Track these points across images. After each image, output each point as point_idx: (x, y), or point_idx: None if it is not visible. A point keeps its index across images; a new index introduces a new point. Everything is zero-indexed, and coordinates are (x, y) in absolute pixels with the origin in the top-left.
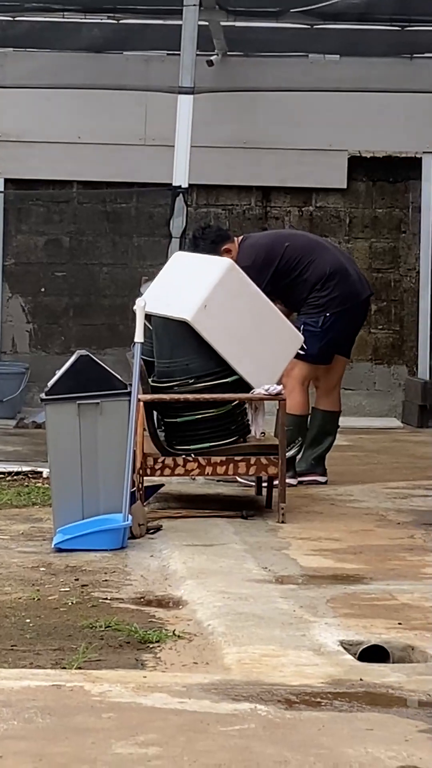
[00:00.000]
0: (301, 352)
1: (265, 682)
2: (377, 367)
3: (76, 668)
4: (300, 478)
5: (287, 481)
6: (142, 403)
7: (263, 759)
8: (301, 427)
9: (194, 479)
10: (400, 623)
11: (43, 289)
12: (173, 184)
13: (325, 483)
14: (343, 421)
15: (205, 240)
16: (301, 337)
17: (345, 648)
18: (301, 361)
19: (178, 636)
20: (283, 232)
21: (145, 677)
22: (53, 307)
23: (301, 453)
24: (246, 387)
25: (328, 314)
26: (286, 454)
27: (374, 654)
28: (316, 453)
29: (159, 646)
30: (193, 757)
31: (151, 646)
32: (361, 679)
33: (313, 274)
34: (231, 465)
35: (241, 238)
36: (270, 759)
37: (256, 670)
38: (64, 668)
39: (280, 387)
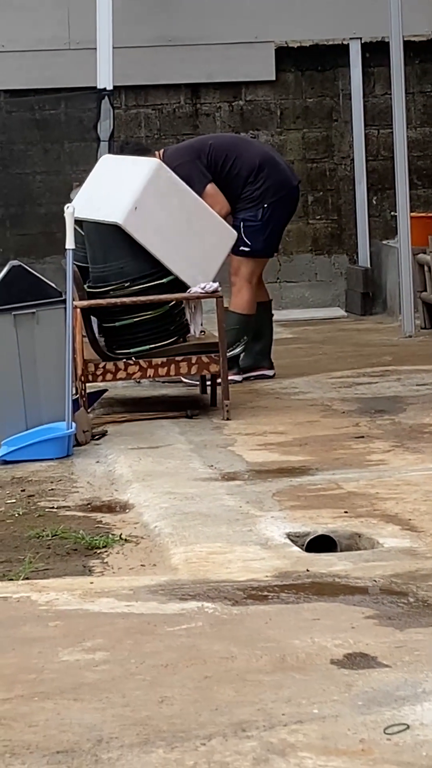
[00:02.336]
0: (246, 249)
1: (212, 580)
2: (317, 257)
3: (23, 579)
4: (248, 374)
5: (232, 378)
6: (79, 310)
7: (210, 656)
8: (248, 325)
9: (139, 382)
10: (346, 512)
11: None
12: (98, 87)
13: (273, 376)
14: (287, 314)
15: (124, 154)
16: (234, 233)
17: (292, 540)
18: (248, 258)
19: (125, 540)
20: (205, 135)
21: (92, 583)
22: None
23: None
24: (182, 287)
25: (265, 205)
26: (232, 352)
27: (322, 544)
28: (260, 346)
29: (106, 552)
30: (140, 659)
31: (98, 551)
32: (307, 570)
33: (244, 168)
34: (172, 366)
35: (162, 150)
36: (216, 655)
37: (203, 569)
38: (11, 580)
39: (216, 284)
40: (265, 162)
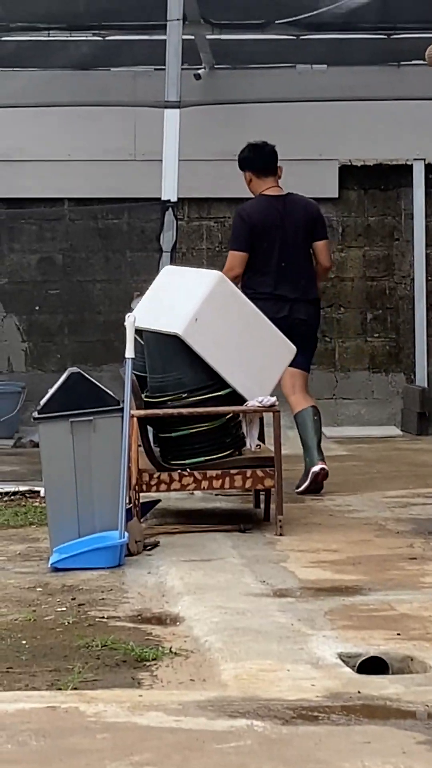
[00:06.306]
0: None
1: (261, 698)
2: (375, 375)
3: (71, 689)
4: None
5: (323, 467)
6: (135, 419)
7: None
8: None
9: (192, 494)
10: (399, 634)
11: (37, 308)
12: (162, 199)
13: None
14: (342, 431)
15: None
16: (293, 348)
17: (343, 660)
18: None
19: (175, 653)
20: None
21: (141, 696)
22: (48, 325)
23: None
24: (239, 399)
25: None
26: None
27: (373, 666)
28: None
29: (156, 664)
30: None
31: (147, 664)
32: (359, 692)
33: (257, 272)
34: (227, 478)
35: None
36: None
37: (253, 686)
38: (60, 689)
39: (273, 398)
40: (271, 282)
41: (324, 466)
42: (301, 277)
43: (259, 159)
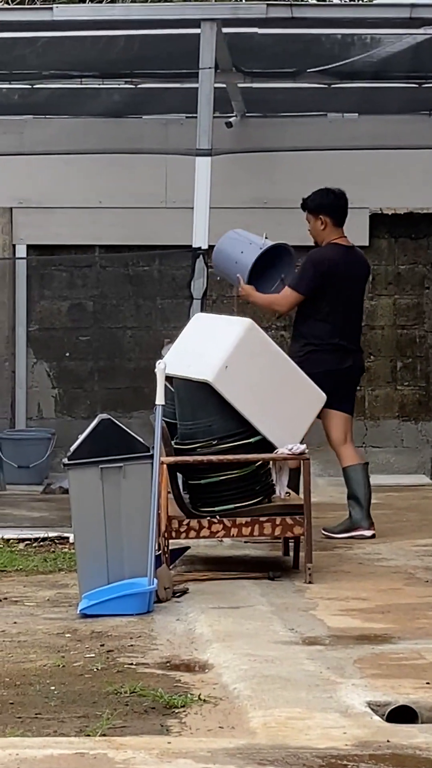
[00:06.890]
0: None
1: (290, 746)
2: (404, 423)
3: (100, 735)
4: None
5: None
6: (165, 466)
7: None
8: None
9: (221, 541)
10: (428, 683)
11: (67, 354)
12: (193, 246)
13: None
14: (372, 479)
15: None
16: (323, 395)
17: (372, 709)
18: None
19: (204, 700)
20: (351, 277)
21: (169, 743)
22: (78, 372)
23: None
24: (269, 447)
25: (304, 348)
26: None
27: (403, 714)
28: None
29: (184, 711)
30: None
31: (176, 711)
32: (388, 741)
33: (327, 315)
34: (256, 526)
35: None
36: None
37: (282, 734)
38: (88, 735)
39: (303, 446)
40: (334, 342)
41: (374, 532)
42: (359, 326)
43: (341, 208)
